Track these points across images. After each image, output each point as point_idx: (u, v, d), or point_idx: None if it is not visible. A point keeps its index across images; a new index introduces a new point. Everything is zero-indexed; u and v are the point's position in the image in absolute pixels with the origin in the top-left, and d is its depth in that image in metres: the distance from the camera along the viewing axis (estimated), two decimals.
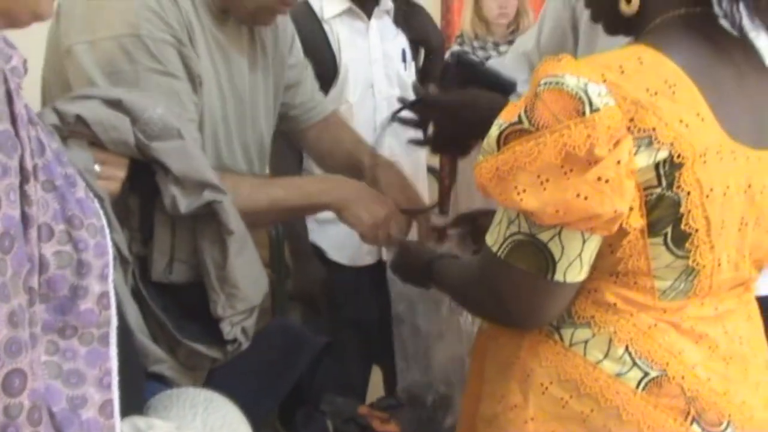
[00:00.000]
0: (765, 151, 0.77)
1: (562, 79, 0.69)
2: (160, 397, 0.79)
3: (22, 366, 0.54)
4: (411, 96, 1.76)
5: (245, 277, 0.93)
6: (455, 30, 2.90)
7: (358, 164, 1.29)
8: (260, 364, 1.10)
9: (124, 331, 0.70)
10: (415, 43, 1.84)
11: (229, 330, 0.92)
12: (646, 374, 0.76)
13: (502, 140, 0.72)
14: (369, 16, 1.73)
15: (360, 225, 1.12)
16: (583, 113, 0.67)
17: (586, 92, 0.68)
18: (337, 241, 1.72)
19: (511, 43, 2.04)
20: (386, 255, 1.71)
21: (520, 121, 0.71)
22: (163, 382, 0.87)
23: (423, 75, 1.82)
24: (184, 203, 0.88)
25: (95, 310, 0.64)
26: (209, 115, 1.06)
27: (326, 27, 1.68)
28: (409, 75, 1.79)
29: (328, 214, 1.68)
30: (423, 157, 1.84)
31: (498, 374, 0.84)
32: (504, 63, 1.37)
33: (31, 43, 0.73)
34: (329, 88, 1.71)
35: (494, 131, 0.73)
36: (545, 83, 0.70)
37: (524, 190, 0.70)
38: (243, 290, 0.92)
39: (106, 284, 0.66)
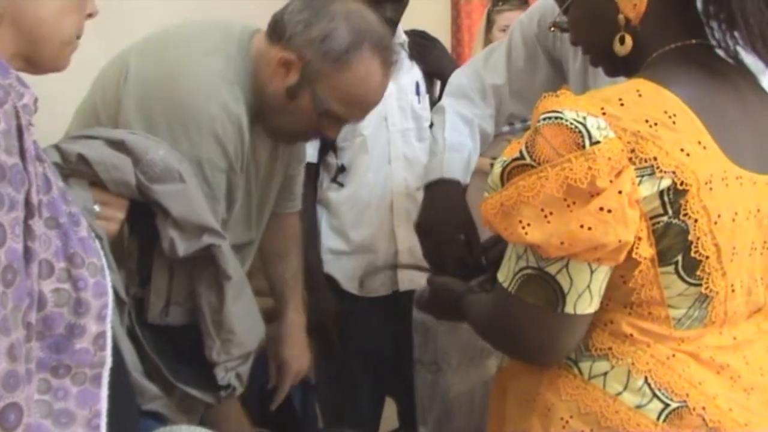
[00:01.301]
0: None
1: (561, 114, 0.76)
2: None
3: (18, 400, 0.59)
4: (423, 127, 1.84)
5: (241, 323, 0.98)
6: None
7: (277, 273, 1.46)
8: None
9: (120, 369, 0.75)
10: (429, 76, 1.93)
11: (223, 375, 0.97)
12: (666, 405, 0.80)
13: (506, 176, 0.78)
14: None
15: None
16: (583, 146, 0.74)
17: (585, 125, 0.75)
18: (351, 271, 1.78)
19: None
20: (403, 286, 1.76)
21: (521, 157, 0.77)
22: (159, 420, 0.92)
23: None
24: (183, 246, 0.94)
25: (90, 350, 0.69)
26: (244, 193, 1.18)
27: None
28: (423, 107, 1.88)
29: (342, 245, 1.76)
30: None
31: (519, 411, 0.89)
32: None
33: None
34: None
35: (497, 168, 0.80)
36: (544, 119, 0.77)
37: (528, 224, 0.76)
38: (239, 336, 0.97)
39: (103, 324, 0.70)
